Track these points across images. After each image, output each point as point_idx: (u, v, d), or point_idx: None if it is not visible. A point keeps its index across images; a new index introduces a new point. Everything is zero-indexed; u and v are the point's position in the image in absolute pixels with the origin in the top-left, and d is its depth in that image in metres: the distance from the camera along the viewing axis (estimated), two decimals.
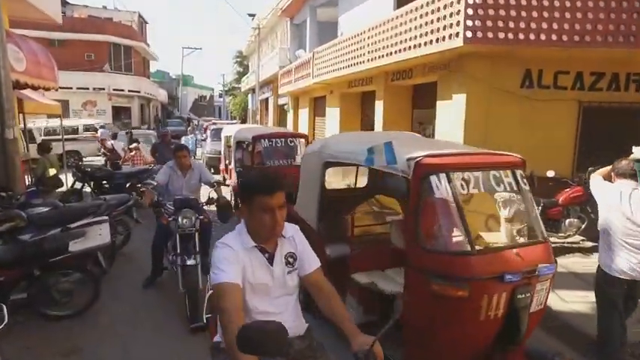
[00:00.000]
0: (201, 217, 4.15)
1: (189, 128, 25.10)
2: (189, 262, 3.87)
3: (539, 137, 7.08)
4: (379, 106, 10.24)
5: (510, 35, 6.35)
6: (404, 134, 3.42)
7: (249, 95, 31.95)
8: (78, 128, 18.29)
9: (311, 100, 15.84)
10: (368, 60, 9.44)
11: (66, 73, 25.33)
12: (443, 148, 2.76)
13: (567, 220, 6.44)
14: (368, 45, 9.37)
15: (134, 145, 11.11)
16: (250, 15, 27.20)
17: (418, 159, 2.42)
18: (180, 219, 4.02)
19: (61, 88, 24.73)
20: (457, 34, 6.44)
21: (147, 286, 4.68)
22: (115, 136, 13.03)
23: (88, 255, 3.77)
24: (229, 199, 8.61)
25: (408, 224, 2.48)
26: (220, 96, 54.49)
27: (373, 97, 11.91)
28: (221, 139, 14.65)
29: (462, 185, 2.38)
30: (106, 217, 4.13)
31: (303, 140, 7.25)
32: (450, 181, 2.35)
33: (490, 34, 6.35)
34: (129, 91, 28.65)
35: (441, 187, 2.33)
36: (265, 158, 6.82)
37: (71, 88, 25.20)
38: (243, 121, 31.01)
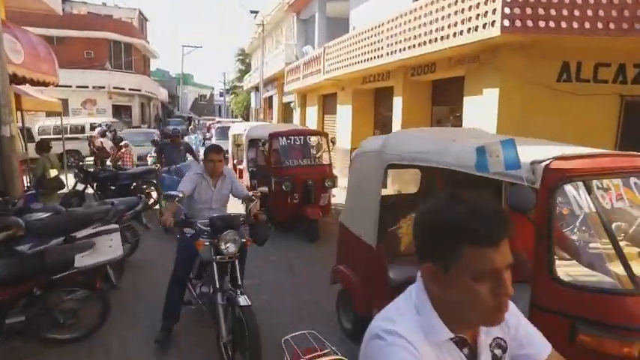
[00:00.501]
0: (244, 239, 3.22)
1: (190, 127, 24.55)
2: (242, 302, 2.87)
3: (577, 134, 6.51)
4: (397, 102, 9.72)
5: (552, 23, 5.83)
6: (471, 130, 2.88)
7: (252, 93, 31.40)
8: (84, 127, 17.76)
9: (320, 98, 15.31)
10: (387, 54, 8.92)
11: (65, 71, 24.66)
12: (552, 147, 2.19)
13: None
14: (387, 38, 8.84)
15: (124, 142, 10.75)
16: (253, 12, 26.66)
17: (547, 162, 1.81)
18: (222, 244, 3.05)
19: (60, 86, 24.15)
20: (493, 23, 5.92)
21: (163, 344, 3.45)
22: (104, 134, 12.55)
23: (96, 270, 3.25)
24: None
25: (537, 249, 1.81)
26: (221, 95, 53.92)
27: (388, 94, 11.40)
28: (227, 138, 14.22)
29: (602, 196, 1.84)
30: (116, 226, 3.61)
31: (322, 138, 6.71)
32: (589, 191, 1.79)
33: (530, 23, 5.83)
34: (129, 89, 28.05)
35: (580, 199, 1.79)
36: (283, 157, 6.29)
37: (70, 86, 24.59)
38: (246, 119, 30.48)
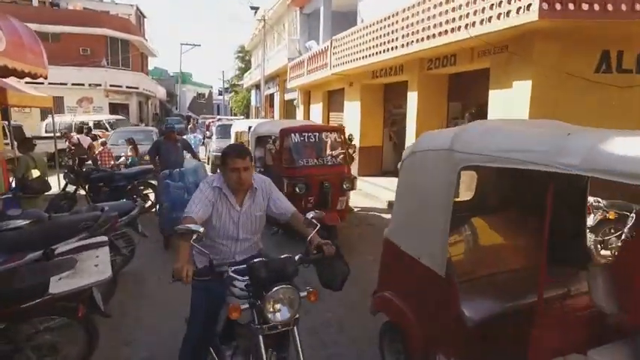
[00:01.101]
0: (306, 291, 2.05)
1: (189, 126, 23.86)
2: None
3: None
4: (412, 98, 9.10)
5: (596, 6, 5.23)
6: (559, 123, 2.27)
7: (253, 91, 30.74)
8: (89, 124, 17.13)
9: (325, 94, 14.69)
10: (402, 45, 8.30)
11: (60, 69, 24.15)
12: None
13: None
14: (402, 28, 8.22)
15: (102, 140, 10.33)
16: (253, 8, 26.02)
17: None
18: (270, 307, 1.91)
19: (55, 84, 23.62)
20: (529, 7, 5.31)
21: None
22: (81, 130, 12.00)
23: (78, 294, 2.62)
24: None
25: None
26: (220, 93, 53.18)
27: (400, 89, 10.78)
28: (228, 136, 13.58)
29: None
30: (105, 239, 2.98)
31: (339, 135, 6.05)
32: None
33: (571, 6, 5.23)
34: (127, 87, 27.32)
35: None
36: (296, 156, 5.66)
37: (66, 84, 23.90)
38: (247, 118, 29.81)
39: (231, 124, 14.85)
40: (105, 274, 2.52)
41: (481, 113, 9.70)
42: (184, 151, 7.09)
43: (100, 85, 25.20)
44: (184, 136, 12.38)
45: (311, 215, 2.25)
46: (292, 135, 5.58)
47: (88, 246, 2.84)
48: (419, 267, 2.23)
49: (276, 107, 22.92)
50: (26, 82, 8.76)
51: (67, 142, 11.35)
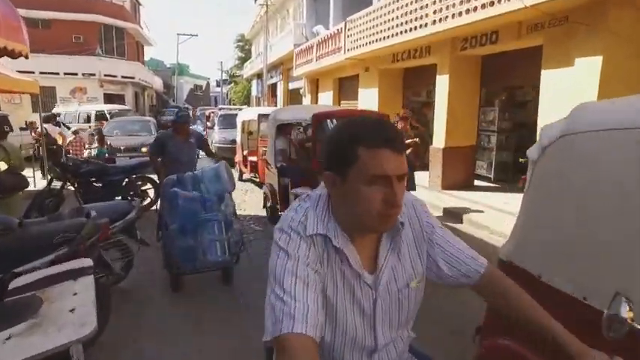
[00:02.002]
0: None
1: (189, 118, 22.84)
2: None
3: None
4: (442, 83, 8.14)
5: None
6: None
7: (254, 81, 29.64)
8: (90, 115, 16.19)
9: (336, 82, 13.69)
10: (432, 22, 7.33)
11: (52, 57, 23.04)
12: None
13: None
14: (434, 3, 7.25)
15: (74, 129, 9.56)
16: None
17: None
18: None
19: (46, 73, 22.45)
20: None
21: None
22: (48, 120, 11.12)
23: None
24: (266, 202, 5.83)
25: None
26: (218, 85, 51.95)
27: (420, 74, 9.84)
28: (232, 127, 12.61)
29: None
30: (89, 263, 2.04)
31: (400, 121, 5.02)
32: None
33: None
34: (122, 77, 26.18)
35: None
36: None
37: (58, 73, 22.80)
38: None
39: (234, 114, 13.88)
40: (85, 328, 1.58)
41: (512, 98, 8.81)
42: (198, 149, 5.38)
43: (94, 74, 24.06)
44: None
45: None
46: (329, 122, 4.53)
47: (63, 275, 1.90)
48: (581, 310, 1.30)
49: (280, 97, 21.89)
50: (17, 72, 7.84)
51: (32, 134, 10.34)
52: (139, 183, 6.84)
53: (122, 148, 10.98)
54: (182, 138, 5.00)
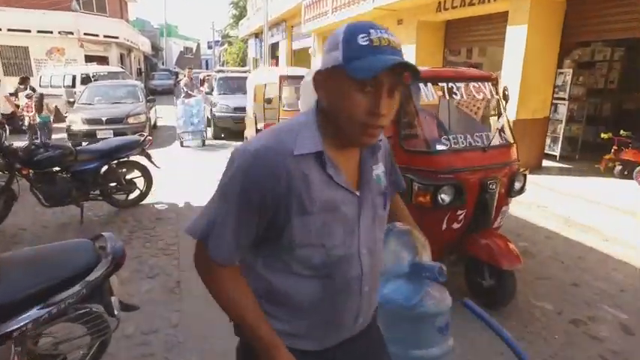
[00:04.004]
0: None
1: (183, 83, 20.72)
2: None
3: None
4: (517, 36, 6.26)
5: None
6: None
7: (251, 41, 27.10)
8: (76, 78, 14.27)
9: None
10: None
11: (21, 12, 20.34)
12: None
13: None
14: None
15: (27, 92, 8.44)
16: None
17: None
18: None
19: (16, 30, 19.76)
20: None
21: None
22: (22, 83, 9.57)
23: None
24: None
25: None
26: (210, 47, 48.62)
27: (464, 28, 7.95)
28: (234, 92, 10.73)
29: None
30: None
31: (493, 88, 3.10)
32: None
33: None
34: (104, 36, 23.55)
35: None
36: (435, 132, 2.92)
37: (29, 31, 20.23)
38: None
39: (237, 77, 11.92)
40: None
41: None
42: None
43: (71, 33, 21.45)
44: (193, 100, 9.49)
45: None
46: (431, 84, 2.73)
47: None
48: None
49: (283, 58, 19.68)
50: None
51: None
52: (123, 170, 5.06)
53: (104, 119, 9.08)
54: None
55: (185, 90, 10.46)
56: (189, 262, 1.19)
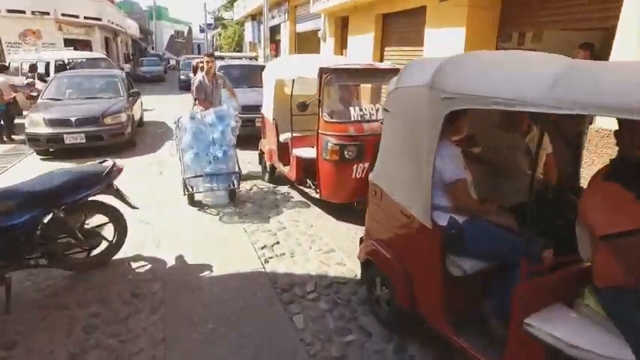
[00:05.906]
0: None
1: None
2: None
3: None
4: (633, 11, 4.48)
5: None
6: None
7: (247, 24, 24.93)
8: (49, 66, 12.33)
9: (379, 20, 9.74)
10: None
11: None
12: None
13: None
14: None
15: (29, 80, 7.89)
16: None
17: None
18: None
19: None
20: None
21: None
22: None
23: None
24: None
25: None
26: (202, 31, 45.96)
27: (523, 9, 6.15)
28: (237, 85, 8.84)
29: None
30: None
31: None
32: None
33: None
34: (86, 18, 21.32)
35: None
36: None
37: None
38: None
39: (244, 64, 10.05)
40: None
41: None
42: None
43: (47, 13, 19.23)
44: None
45: None
46: None
47: None
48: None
49: (284, 43, 17.70)
50: None
51: None
52: (80, 217, 3.29)
53: (73, 120, 7.24)
54: None
55: (201, 88, 5.80)
56: None
